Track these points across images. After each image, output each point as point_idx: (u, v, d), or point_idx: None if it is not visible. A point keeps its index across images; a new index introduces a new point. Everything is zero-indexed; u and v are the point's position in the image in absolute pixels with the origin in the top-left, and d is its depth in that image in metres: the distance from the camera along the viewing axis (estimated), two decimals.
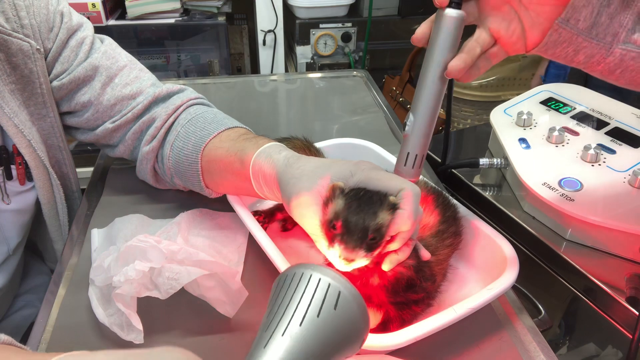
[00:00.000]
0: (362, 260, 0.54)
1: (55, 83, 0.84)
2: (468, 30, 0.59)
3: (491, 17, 0.57)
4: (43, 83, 0.82)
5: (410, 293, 0.61)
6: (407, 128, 0.61)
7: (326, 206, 0.57)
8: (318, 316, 0.42)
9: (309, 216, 0.59)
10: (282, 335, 0.41)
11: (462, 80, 0.58)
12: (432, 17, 0.58)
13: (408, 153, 0.62)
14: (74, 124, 0.89)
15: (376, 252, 0.55)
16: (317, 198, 0.58)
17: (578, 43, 0.55)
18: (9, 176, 0.81)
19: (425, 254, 0.60)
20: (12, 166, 0.82)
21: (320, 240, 0.58)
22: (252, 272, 0.75)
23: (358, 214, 0.54)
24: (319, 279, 0.44)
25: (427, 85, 0.58)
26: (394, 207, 0.55)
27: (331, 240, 0.55)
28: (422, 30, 0.59)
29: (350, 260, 0.54)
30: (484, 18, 0.58)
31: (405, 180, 0.58)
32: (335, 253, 0.54)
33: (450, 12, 0.56)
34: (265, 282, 0.72)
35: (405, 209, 0.55)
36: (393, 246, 0.56)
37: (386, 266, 0.56)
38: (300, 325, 0.42)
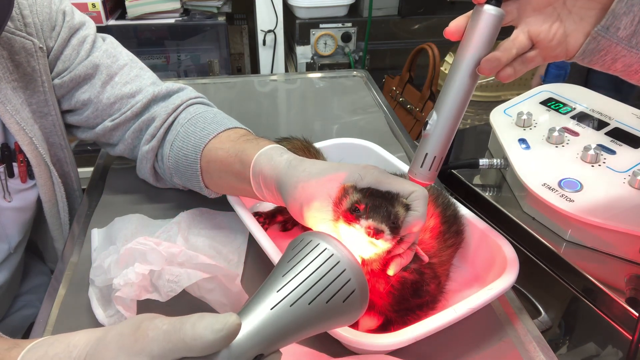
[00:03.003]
0: (387, 238, 0.53)
1: (56, 81, 0.84)
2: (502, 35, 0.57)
3: (532, 18, 0.56)
4: (45, 81, 0.82)
5: (414, 298, 0.61)
6: (428, 127, 0.57)
7: (338, 205, 0.57)
8: (327, 303, 0.44)
9: (321, 218, 0.59)
10: (291, 306, 0.43)
11: (498, 78, 0.56)
12: (469, 12, 0.56)
13: (426, 154, 0.58)
14: (74, 122, 0.89)
15: (396, 241, 0.55)
16: (327, 200, 0.58)
17: (617, 52, 0.53)
18: (10, 174, 0.82)
19: (424, 257, 0.60)
20: (14, 164, 0.82)
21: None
22: (252, 273, 0.75)
23: (380, 200, 0.55)
24: (344, 270, 0.45)
25: (455, 83, 0.56)
26: (406, 208, 0.55)
27: (355, 220, 0.54)
28: (456, 23, 0.56)
29: (378, 234, 0.53)
30: (524, 19, 0.56)
31: (415, 184, 0.58)
32: (360, 230, 0.53)
33: (490, 9, 0.53)
34: None
35: (417, 210, 0.56)
36: (399, 250, 0.56)
37: (391, 270, 0.56)
38: (309, 304, 0.43)
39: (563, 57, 0.56)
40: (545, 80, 1.63)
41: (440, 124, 0.57)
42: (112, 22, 2.06)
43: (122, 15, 2.10)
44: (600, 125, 0.94)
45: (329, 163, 0.64)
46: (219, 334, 0.38)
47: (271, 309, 0.42)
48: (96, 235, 0.78)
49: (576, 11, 0.54)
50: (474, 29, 0.55)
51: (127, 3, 2.02)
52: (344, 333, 0.56)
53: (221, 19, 2.15)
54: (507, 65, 0.56)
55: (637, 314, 0.69)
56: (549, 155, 0.90)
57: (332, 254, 0.45)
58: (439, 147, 0.58)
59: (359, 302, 0.46)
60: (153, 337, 0.39)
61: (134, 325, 0.41)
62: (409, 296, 0.60)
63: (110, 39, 0.90)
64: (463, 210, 0.73)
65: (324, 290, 0.44)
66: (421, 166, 0.59)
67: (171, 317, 0.41)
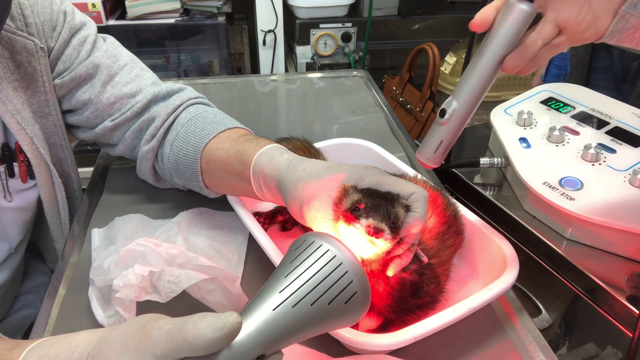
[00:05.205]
0: (387, 237, 0.53)
1: (57, 81, 0.84)
2: None
3: (559, 4, 0.55)
4: (46, 81, 0.82)
5: (414, 298, 0.61)
6: (446, 115, 0.58)
7: (338, 205, 0.57)
8: (329, 304, 0.44)
9: (321, 218, 0.59)
10: (293, 307, 0.43)
11: (519, 73, 0.57)
12: (496, 2, 0.56)
13: (441, 141, 0.59)
14: (74, 122, 0.89)
15: (396, 242, 0.55)
16: (327, 200, 0.58)
17: None
18: (11, 174, 0.82)
19: (424, 258, 0.60)
20: (15, 164, 0.82)
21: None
22: (252, 273, 0.75)
23: (380, 200, 0.55)
24: (346, 272, 0.45)
25: (478, 75, 0.56)
26: (406, 209, 0.55)
27: (355, 219, 0.54)
28: (484, 15, 0.56)
29: (378, 233, 0.53)
30: (552, 6, 0.56)
31: (416, 185, 0.58)
32: (360, 228, 0.53)
33: (522, 6, 0.53)
34: None
35: (417, 211, 0.56)
36: (398, 251, 0.56)
37: (391, 271, 0.56)
38: (312, 305, 0.43)
39: (592, 39, 0.56)
40: (546, 79, 1.63)
41: (458, 112, 0.58)
42: (112, 22, 2.06)
43: (122, 15, 2.10)
44: (600, 124, 0.94)
45: (329, 163, 0.64)
46: (220, 332, 0.38)
47: (273, 309, 0.42)
48: (96, 235, 0.78)
49: None
50: (503, 24, 0.54)
51: (127, 3, 2.02)
52: (344, 333, 0.55)
53: (221, 19, 2.15)
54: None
55: (637, 312, 0.69)
56: (550, 154, 0.90)
57: (335, 255, 0.45)
58: (454, 135, 0.59)
59: (361, 303, 0.46)
60: (157, 337, 0.39)
61: (138, 325, 0.41)
62: (408, 297, 0.60)
63: (110, 39, 0.90)
64: (463, 210, 0.73)
65: (326, 291, 0.44)
66: (435, 152, 0.60)
67: (175, 317, 0.41)
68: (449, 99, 0.58)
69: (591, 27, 0.55)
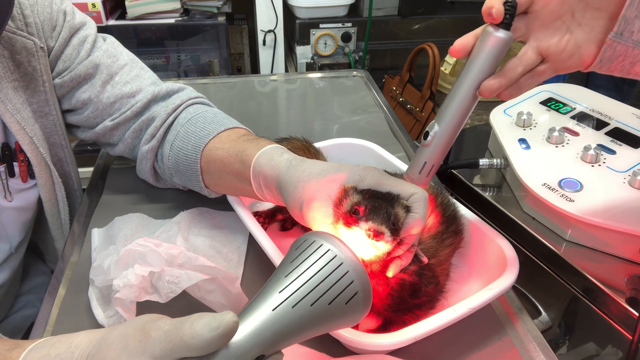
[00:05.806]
0: (388, 239, 0.53)
1: (57, 81, 0.84)
2: None
3: (540, 33, 0.55)
4: (46, 81, 0.82)
5: (413, 298, 0.61)
6: (429, 138, 0.60)
7: (339, 206, 0.57)
8: (329, 304, 0.44)
9: (320, 218, 0.59)
10: (293, 307, 0.42)
11: (500, 98, 0.57)
12: (477, 30, 0.56)
13: (425, 162, 0.61)
14: (74, 122, 0.89)
15: (396, 243, 0.55)
16: (327, 201, 0.58)
17: (634, 55, 0.53)
18: (11, 173, 0.82)
19: (424, 258, 0.60)
20: (15, 163, 0.82)
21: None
22: (252, 273, 0.75)
23: (380, 202, 0.55)
24: (347, 272, 0.45)
25: (458, 99, 0.57)
26: (407, 210, 0.56)
27: (355, 222, 0.54)
28: (463, 42, 0.56)
29: (379, 236, 0.53)
30: (533, 34, 0.56)
31: (415, 186, 0.59)
32: (360, 232, 0.53)
33: (499, 33, 0.54)
34: None
35: (417, 212, 0.56)
36: (398, 251, 0.56)
37: (391, 272, 0.56)
38: (312, 305, 0.43)
39: (577, 67, 0.56)
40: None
41: (440, 136, 0.59)
42: (112, 22, 2.06)
43: (122, 15, 2.10)
44: (600, 125, 0.94)
45: (329, 163, 0.64)
46: (216, 332, 0.38)
47: (273, 309, 0.42)
48: (96, 234, 0.78)
49: (586, 22, 0.54)
50: (480, 51, 0.55)
51: (127, 3, 2.02)
52: (344, 333, 0.56)
53: (221, 19, 2.15)
54: (509, 85, 0.56)
55: (637, 314, 0.69)
56: (549, 155, 0.90)
57: (336, 255, 0.45)
58: (437, 157, 0.61)
59: (362, 303, 0.46)
60: (155, 337, 0.39)
61: (137, 326, 0.41)
62: (407, 297, 0.60)
63: (110, 39, 0.90)
64: (463, 210, 0.73)
65: (326, 291, 0.44)
66: (419, 173, 0.62)
67: (175, 317, 0.41)
68: (432, 122, 0.60)
69: (574, 55, 0.55)
